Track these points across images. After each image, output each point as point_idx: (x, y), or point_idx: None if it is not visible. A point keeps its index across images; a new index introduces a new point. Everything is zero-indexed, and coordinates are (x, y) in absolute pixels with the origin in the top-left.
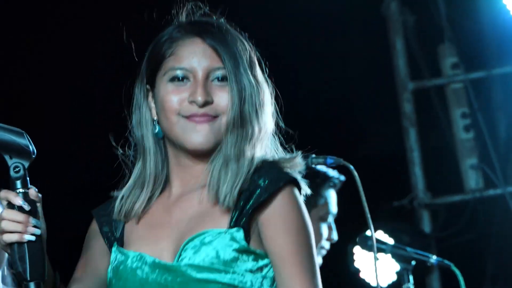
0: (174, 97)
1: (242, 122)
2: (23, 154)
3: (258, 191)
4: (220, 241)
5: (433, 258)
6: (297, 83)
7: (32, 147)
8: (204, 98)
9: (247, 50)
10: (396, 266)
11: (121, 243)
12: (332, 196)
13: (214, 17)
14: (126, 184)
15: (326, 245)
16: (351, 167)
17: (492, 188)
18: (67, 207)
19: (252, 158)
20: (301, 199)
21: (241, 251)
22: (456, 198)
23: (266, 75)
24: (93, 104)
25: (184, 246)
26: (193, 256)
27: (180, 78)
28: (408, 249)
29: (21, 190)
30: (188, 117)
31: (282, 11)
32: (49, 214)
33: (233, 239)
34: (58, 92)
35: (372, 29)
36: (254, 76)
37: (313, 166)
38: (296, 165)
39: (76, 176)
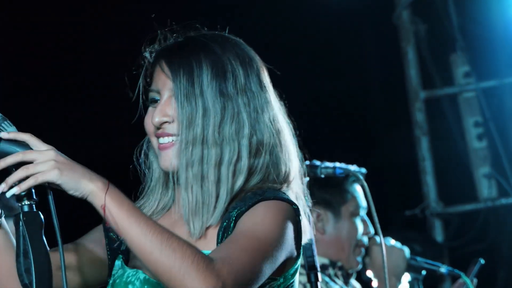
0: (148, 119)
1: (193, 144)
2: None
3: (238, 209)
4: None
5: (444, 268)
6: (309, 92)
7: None
8: (158, 118)
9: (220, 62)
10: (407, 276)
11: (126, 257)
12: (358, 190)
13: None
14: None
15: (365, 239)
16: (361, 176)
17: (504, 197)
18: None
19: (218, 182)
20: (284, 212)
21: None
22: (468, 207)
23: (259, 86)
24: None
25: None
26: None
27: (155, 100)
28: (418, 258)
29: (26, 202)
30: (157, 138)
31: (295, 21)
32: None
33: None
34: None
35: (384, 38)
36: (222, 92)
37: (322, 176)
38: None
39: None
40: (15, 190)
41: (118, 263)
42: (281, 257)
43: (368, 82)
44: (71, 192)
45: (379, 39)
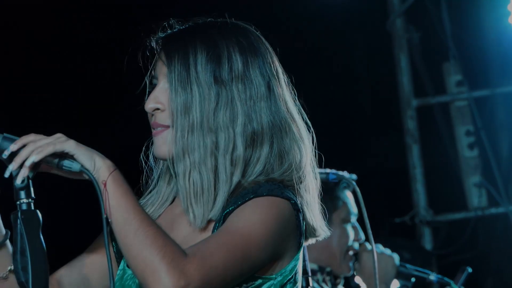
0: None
1: (189, 130)
2: None
3: (229, 207)
4: None
5: (433, 275)
6: (301, 98)
7: None
8: (151, 104)
9: (216, 48)
10: (396, 283)
11: None
12: (348, 197)
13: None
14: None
15: (355, 245)
16: (353, 182)
17: (494, 206)
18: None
19: (216, 171)
20: (275, 209)
21: None
22: (458, 215)
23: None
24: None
25: None
26: None
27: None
28: (408, 266)
29: (24, 200)
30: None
31: (287, 27)
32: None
33: None
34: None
35: (377, 46)
36: (215, 78)
37: None
38: (292, 180)
39: None
40: (34, 158)
41: (123, 263)
42: (266, 256)
43: (360, 89)
44: (84, 162)
45: (372, 46)
